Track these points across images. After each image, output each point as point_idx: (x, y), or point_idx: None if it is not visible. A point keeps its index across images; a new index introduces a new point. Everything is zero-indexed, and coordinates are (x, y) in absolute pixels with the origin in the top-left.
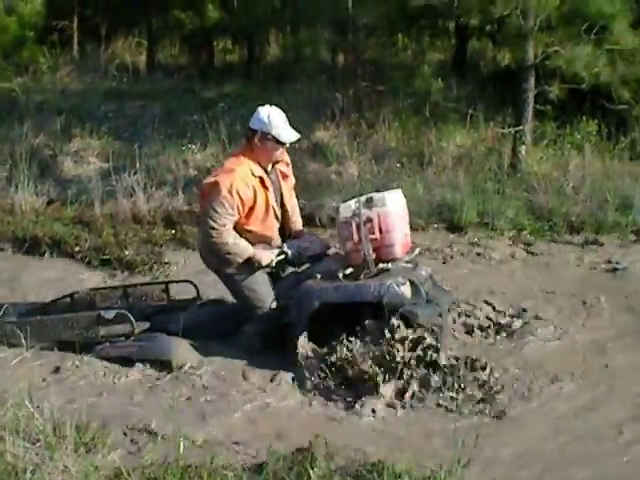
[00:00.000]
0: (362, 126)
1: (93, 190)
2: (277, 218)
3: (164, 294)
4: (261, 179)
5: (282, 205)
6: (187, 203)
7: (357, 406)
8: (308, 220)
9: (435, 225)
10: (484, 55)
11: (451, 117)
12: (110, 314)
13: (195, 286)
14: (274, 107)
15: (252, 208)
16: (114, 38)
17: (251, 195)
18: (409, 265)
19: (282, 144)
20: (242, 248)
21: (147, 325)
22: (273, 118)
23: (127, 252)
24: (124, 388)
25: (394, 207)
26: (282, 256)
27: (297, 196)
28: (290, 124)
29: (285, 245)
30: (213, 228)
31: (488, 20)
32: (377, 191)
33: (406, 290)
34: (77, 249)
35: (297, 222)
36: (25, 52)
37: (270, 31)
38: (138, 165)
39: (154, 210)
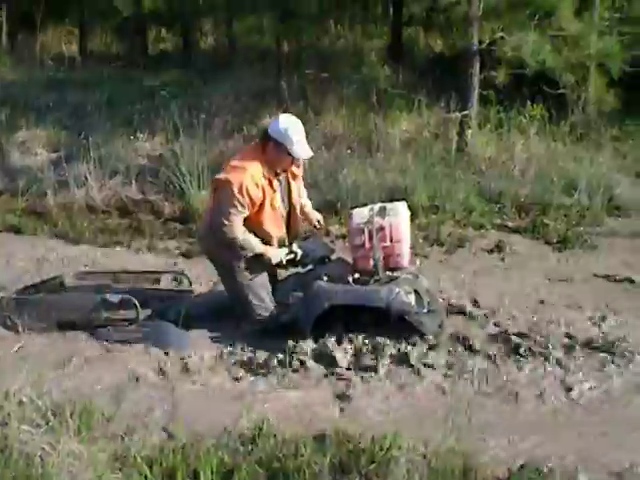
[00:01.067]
0: (309, 113)
1: (44, 180)
2: (283, 219)
3: (155, 284)
4: (270, 181)
5: (290, 204)
6: (141, 192)
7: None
8: None
9: None
10: (417, 42)
11: (396, 103)
12: (115, 298)
13: (188, 278)
14: (294, 119)
15: (260, 207)
16: (44, 27)
17: (260, 195)
18: (411, 276)
19: (294, 158)
20: (252, 244)
21: (149, 312)
22: (291, 132)
23: None
24: (126, 374)
25: (405, 218)
26: (292, 255)
27: None
28: (236, 111)
29: (294, 245)
30: (224, 224)
31: (435, 7)
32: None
33: (412, 299)
34: None
35: (311, 216)
36: None
37: (204, 19)
38: (91, 154)
39: (108, 199)
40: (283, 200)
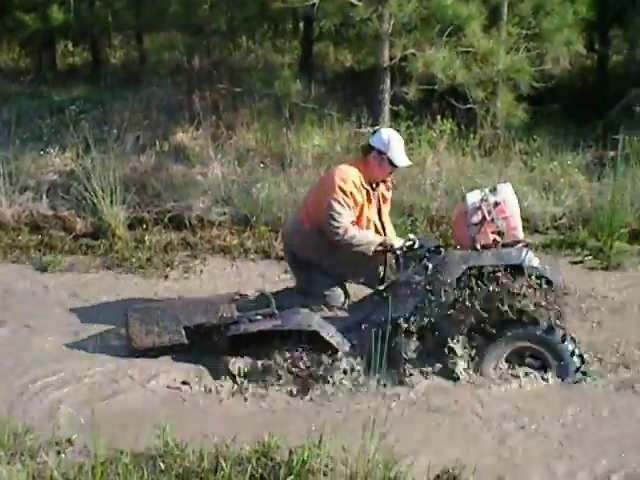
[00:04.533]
0: (221, 128)
1: None
2: (377, 233)
3: None
4: (367, 192)
5: (380, 223)
6: (51, 208)
7: None
8: (177, 222)
9: None
10: (328, 57)
11: (308, 118)
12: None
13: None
14: (395, 132)
15: (357, 217)
16: None
17: (361, 200)
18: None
19: (394, 167)
20: (370, 237)
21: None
22: (392, 141)
23: None
24: (44, 390)
25: (514, 195)
26: (410, 242)
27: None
28: (147, 126)
29: (410, 235)
30: (339, 227)
31: (346, 23)
32: None
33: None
34: None
35: None
36: None
37: (114, 34)
38: (0, 170)
39: (18, 215)
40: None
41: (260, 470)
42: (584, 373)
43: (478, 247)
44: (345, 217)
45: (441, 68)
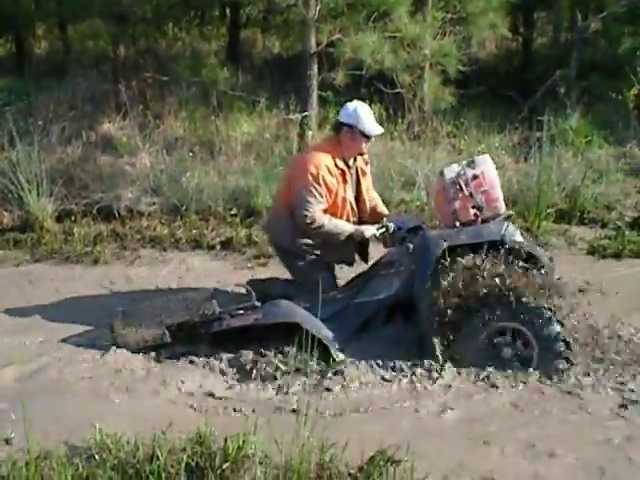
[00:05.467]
0: (148, 117)
1: None
2: (353, 211)
3: None
4: (342, 172)
5: (359, 200)
6: None
7: None
8: (106, 213)
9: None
10: (255, 44)
11: (236, 105)
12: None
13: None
14: (362, 102)
15: (332, 199)
16: None
17: (335, 183)
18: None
19: (367, 137)
20: (341, 226)
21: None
22: (360, 113)
23: None
24: None
25: (493, 165)
26: (383, 229)
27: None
28: (73, 117)
29: (385, 219)
30: (307, 217)
31: (272, 10)
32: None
33: (519, 233)
34: None
35: (383, 211)
36: None
37: (38, 24)
38: None
39: None
40: (353, 195)
41: (196, 458)
42: (567, 360)
43: (457, 224)
44: (314, 206)
45: (369, 53)
